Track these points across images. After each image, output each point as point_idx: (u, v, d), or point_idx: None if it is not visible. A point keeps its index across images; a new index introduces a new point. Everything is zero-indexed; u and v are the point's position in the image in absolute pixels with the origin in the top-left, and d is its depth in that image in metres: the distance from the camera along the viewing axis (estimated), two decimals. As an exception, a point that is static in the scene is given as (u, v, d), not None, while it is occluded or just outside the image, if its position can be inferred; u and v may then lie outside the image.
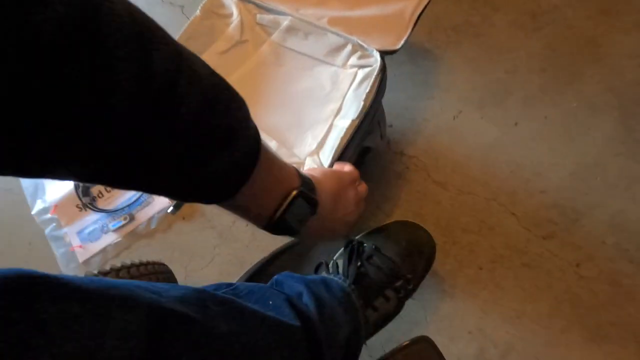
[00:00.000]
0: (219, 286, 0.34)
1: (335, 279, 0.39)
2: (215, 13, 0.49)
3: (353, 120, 0.43)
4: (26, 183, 0.68)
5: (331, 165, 0.42)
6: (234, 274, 0.62)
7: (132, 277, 0.44)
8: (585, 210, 0.61)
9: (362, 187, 0.40)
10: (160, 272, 0.48)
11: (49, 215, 0.65)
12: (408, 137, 0.67)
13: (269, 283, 0.38)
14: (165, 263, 0.63)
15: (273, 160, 0.29)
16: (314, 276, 0.40)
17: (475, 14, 0.74)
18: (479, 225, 0.61)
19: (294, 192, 0.29)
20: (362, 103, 0.43)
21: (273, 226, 0.31)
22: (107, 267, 0.44)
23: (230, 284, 0.34)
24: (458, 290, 0.58)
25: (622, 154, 0.63)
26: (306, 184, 0.30)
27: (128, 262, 0.45)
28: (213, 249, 0.63)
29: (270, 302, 0.31)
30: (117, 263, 0.45)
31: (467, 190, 0.63)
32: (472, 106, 0.68)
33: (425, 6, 0.53)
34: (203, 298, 0.27)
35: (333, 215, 0.34)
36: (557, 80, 0.68)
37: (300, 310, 0.31)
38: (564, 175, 0.63)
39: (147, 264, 0.47)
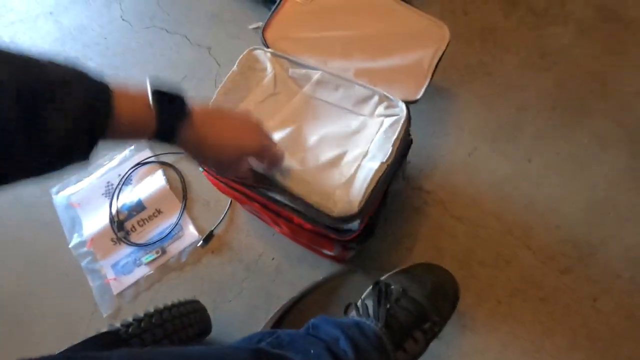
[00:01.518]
0: (263, 336, 0.36)
1: (368, 322, 0.41)
2: (251, 68, 0.53)
3: (382, 163, 0.46)
4: (64, 217, 0.72)
5: (365, 203, 0.44)
6: (261, 308, 0.64)
7: (165, 321, 0.46)
8: (599, 244, 0.63)
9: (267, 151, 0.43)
10: (194, 311, 0.51)
11: (85, 249, 0.69)
12: (425, 172, 0.70)
13: (305, 327, 0.40)
14: (196, 296, 0.66)
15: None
16: (347, 320, 0.42)
17: (486, 53, 0.78)
18: (495, 258, 0.64)
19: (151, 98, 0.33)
20: (390, 148, 0.47)
21: (158, 136, 0.35)
22: (140, 314, 0.46)
23: (272, 333, 0.37)
24: (478, 324, 0.60)
25: (634, 189, 0.66)
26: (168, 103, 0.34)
27: (161, 306, 0.48)
28: (241, 282, 0.66)
29: (312, 351, 0.34)
30: (150, 308, 0.48)
31: (483, 224, 0.66)
32: (485, 142, 0.71)
33: (441, 56, 0.57)
34: (260, 357, 0.30)
35: (212, 135, 0.37)
36: (567, 117, 0.72)
37: (340, 357, 0.33)
38: (577, 210, 0.65)
39: (180, 305, 0.49)
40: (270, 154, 0.44)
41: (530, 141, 0.70)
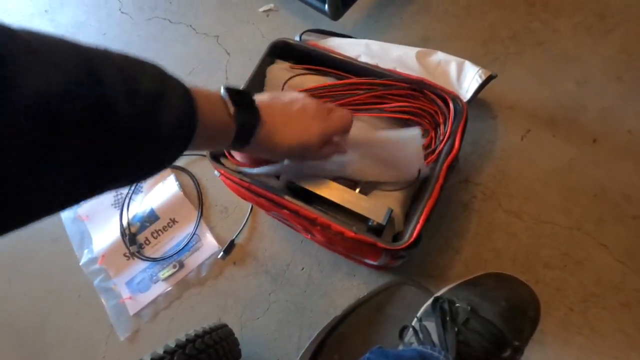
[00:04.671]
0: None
1: (435, 354, 0.33)
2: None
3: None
4: (72, 232, 0.66)
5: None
6: (293, 323, 0.57)
7: (199, 352, 0.40)
8: (688, 236, 0.53)
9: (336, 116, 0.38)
10: (224, 338, 0.44)
11: (97, 266, 0.63)
12: (472, 162, 0.61)
13: (359, 364, 0.33)
14: (220, 314, 0.59)
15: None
16: (408, 351, 0.35)
17: (534, 19, 0.67)
18: (563, 259, 0.54)
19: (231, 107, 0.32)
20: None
21: (237, 138, 0.33)
22: (172, 344, 0.40)
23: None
24: (549, 337, 0.51)
25: None
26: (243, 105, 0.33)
27: (192, 333, 0.41)
28: (268, 295, 0.59)
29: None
30: (182, 337, 0.41)
31: (546, 219, 0.56)
32: (541, 124, 0.61)
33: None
34: None
35: (282, 128, 0.35)
36: (638, 87, 0.61)
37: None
38: (658, 197, 0.55)
39: (211, 331, 0.43)
40: (337, 127, 0.38)
41: (595, 119, 0.60)
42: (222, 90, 0.32)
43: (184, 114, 0.27)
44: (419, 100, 0.42)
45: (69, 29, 0.86)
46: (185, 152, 0.29)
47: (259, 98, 0.35)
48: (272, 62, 0.48)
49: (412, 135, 0.39)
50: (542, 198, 0.57)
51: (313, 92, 0.44)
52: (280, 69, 0.47)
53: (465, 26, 0.70)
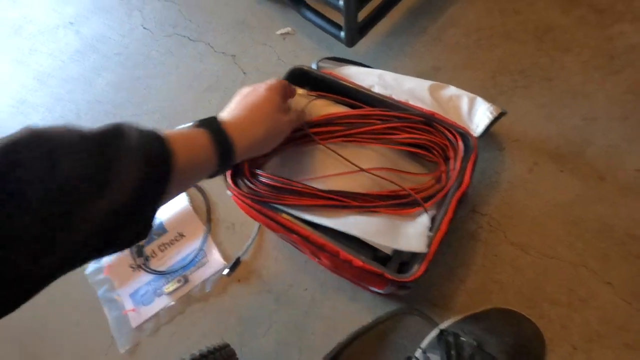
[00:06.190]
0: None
1: (439, 390, 0.33)
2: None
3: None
4: (80, 240, 0.67)
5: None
6: (292, 344, 0.57)
7: None
8: (694, 278, 0.53)
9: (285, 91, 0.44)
10: (227, 358, 0.44)
11: (102, 276, 0.64)
12: (479, 192, 0.61)
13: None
14: (221, 332, 0.59)
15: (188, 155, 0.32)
16: (412, 386, 0.34)
17: (543, 55, 0.69)
18: (568, 295, 0.54)
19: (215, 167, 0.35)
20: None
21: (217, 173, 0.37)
22: None
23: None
24: (551, 374, 0.51)
25: None
26: (221, 145, 0.35)
27: (197, 353, 0.42)
28: (270, 315, 0.59)
29: None
30: (186, 356, 0.41)
31: (551, 254, 0.57)
32: (548, 157, 0.62)
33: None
34: None
35: (257, 133, 0.38)
36: (644, 127, 0.62)
37: None
38: (664, 237, 0.55)
39: (215, 351, 0.43)
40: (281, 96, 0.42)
41: (601, 156, 0.61)
42: (186, 125, 0.34)
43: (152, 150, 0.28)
44: (430, 133, 0.43)
45: (92, 41, 0.89)
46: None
47: (221, 116, 0.38)
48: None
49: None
50: (547, 231, 0.58)
51: (329, 120, 0.45)
52: (299, 95, 0.49)
53: (475, 58, 0.72)
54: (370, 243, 0.39)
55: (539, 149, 0.63)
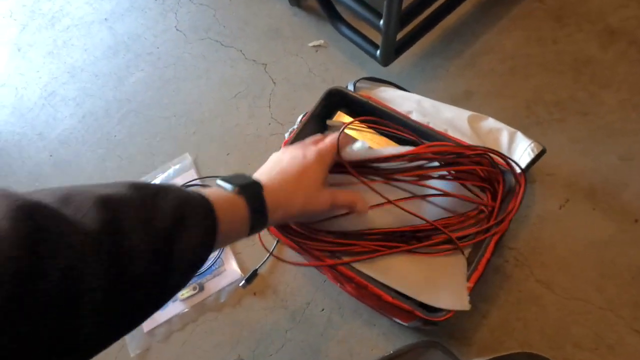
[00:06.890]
0: None
1: None
2: None
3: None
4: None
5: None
6: (305, 365, 0.56)
7: None
8: None
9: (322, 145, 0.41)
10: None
11: (118, 276, 0.63)
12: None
13: None
14: (233, 344, 0.58)
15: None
16: None
17: (580, 89, 0.68)
18: (595, 340, 0.52)
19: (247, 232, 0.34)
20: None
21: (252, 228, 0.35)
22: None
23: None
24: (574, 423, 0.49)
25: None
26: (258, 221, 0.34)
27: None
28: (285, 332, 0.58)
29: None
30: None
31: (578, 296, 0.55)
32: (580, 195, 0.60)
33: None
34: None
35: (292, 209, 0.37)
36: (683, 171, 0.60)
37: None
38: (699, 288, 0.53)
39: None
40: (344, 201, 0.39)
41: (637, 198, 0.59)
42: (229, 187, 0.34)
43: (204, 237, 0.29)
44: (483, 170, 0.42)
45: (125, 39, 0.90)
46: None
47: (258, 179, 0.36)
48: (325, 106, 0.49)
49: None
50: (576, 272, 0.56)
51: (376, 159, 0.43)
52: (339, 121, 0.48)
53: (509, 86, 0.71)
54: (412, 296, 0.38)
55: (572, 185, 0.61)
